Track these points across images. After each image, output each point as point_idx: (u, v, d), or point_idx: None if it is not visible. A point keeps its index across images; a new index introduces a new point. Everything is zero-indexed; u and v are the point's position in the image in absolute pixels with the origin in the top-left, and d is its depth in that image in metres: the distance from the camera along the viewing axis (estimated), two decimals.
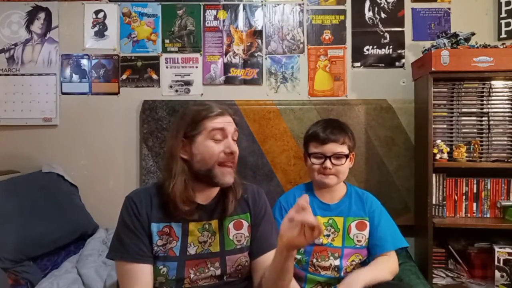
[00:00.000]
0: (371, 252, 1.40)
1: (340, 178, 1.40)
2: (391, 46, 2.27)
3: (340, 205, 1.43)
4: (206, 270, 1.05)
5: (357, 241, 1.39)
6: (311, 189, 1.47)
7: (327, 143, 1.36)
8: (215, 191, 1.10)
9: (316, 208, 1.41)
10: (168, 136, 1.18)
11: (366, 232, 1.40)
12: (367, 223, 1.40)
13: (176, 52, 2.28)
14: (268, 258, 1.08)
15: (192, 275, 1.04)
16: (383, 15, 2.27)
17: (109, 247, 1.06)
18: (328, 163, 1.36)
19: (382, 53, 2.27)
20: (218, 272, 1.06)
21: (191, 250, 1.05)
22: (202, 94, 2.27)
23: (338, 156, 1.37)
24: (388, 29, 2.27)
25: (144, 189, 1.11)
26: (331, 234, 1.39)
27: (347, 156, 1.38)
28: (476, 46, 1.88)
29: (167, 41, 2.27)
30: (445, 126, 1.96)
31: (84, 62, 2.28)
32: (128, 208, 1.04)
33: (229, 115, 1.09)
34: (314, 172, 1.40)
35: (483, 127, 1.93)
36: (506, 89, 1.92)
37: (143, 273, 0.99)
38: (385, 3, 2.27)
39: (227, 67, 2.27)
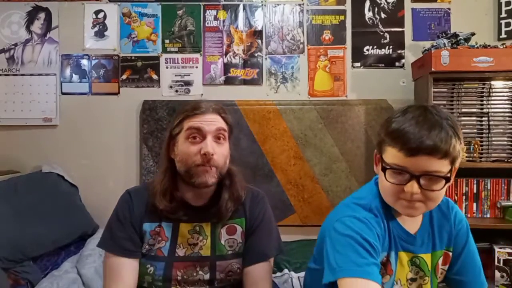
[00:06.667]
0: None
1: (429, 207, 0.85)
2: (391, 46, 2.27)
3: (423, 233, 0.92)
4: (194, 274, 1.03)
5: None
6: (382, 204, 0.91)
7: (418, 154, 0.79)
8: (207, 192, 1.05)
9: (397, 240, 0.90)
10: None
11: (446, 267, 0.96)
12: (450, 255, 0.95)
13: (176, 52, 2.28)
14: (260, 268, 1.02)
15: (179, 277, 1.02)
16: (383, 15, 2.27)
17: (101, 236, 1.05)
18: (414, 187, 0.80)
19: (382, 53, 2.27)
20: (207, 276, 1.03)
21: (180, 252, 1.03)
22: (202, 94, 2.27)
23: (432, 177, 0.80)
24: (388, 29, 2.27)
25: (144, 187, 1.08)
26: (417, 279, 0.90)
27: (447, 179, 0.80)
28: (476, 46, 1.88)
29: (167, 41, 2.27)
30: None
31: (84, 62, 2.28)
32: (124, 202, 1.04)
33: (215, 113, 1.01)
34: (389, 196, 0.87)
35: (483, 127, 1.93)
36: (506, 89, 1.92)
37: (130, 266, 0.99)
38: (385, 3, 2.27)
39: (227, 67, 2.27)
